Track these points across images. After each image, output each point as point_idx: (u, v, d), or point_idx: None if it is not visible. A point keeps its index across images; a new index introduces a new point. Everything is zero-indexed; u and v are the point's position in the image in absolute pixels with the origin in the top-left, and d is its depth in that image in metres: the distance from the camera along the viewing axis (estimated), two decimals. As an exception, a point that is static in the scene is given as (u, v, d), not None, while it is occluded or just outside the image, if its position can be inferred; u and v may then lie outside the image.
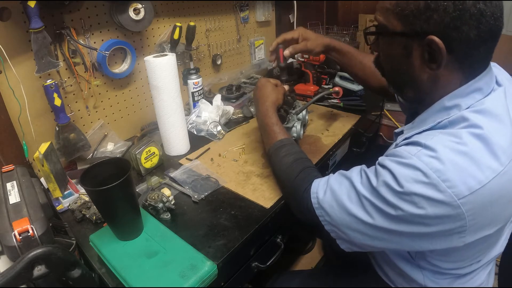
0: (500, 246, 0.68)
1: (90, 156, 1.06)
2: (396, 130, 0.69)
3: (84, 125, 1.07)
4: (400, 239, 0.58)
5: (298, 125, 0.99)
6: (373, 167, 0.61)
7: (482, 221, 0.53)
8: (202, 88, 1.29)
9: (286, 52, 0.99)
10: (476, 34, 0.51)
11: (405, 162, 0.54)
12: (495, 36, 0.53)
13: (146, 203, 0.80)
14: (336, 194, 0.63)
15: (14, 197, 0.66)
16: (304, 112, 1.06)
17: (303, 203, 0.70)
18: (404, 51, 0.59)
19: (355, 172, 0.64)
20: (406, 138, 0.61)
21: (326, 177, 0.69)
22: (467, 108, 0.56)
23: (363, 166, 0.65)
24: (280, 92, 0.97)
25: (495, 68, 0.63)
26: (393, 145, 0.67)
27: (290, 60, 1.66)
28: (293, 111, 1.00)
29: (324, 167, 1.05)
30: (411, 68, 0.60)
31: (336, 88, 1.05)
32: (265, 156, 1.03)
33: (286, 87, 1.03)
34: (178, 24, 1.16)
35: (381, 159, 0.59)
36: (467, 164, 0.51)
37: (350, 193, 0.61)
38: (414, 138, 0.58)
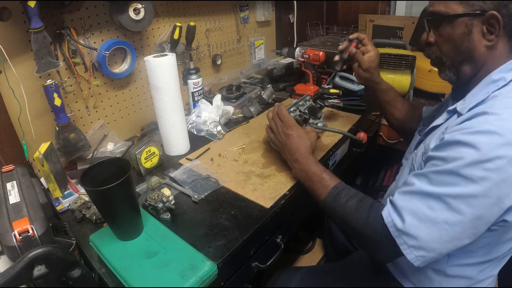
0: None
1: (90, 156, 1.06)
2: (449, 108, 0.72)
3: (84, 125, 1.07)
4: (488, 220, 0.58)
5: None
6: (430, 164, 0.63)
7: None
8: (202, 88, 1.29)
9: (353, 50, 1.03)
10: None
11: (479, 129, 0.57)
12: None
13: (146, 203, 0.80)
14: (415, 212, 0.61)
15: (14, 197, 0.66)
16: (320, 125, 1.03)
17: (383, 240, 0.66)
18: (466, 29, 0.67)
19: (417, 182, 0.63)
20: (470, 109, 0.65)
21: (388, 203, 0.67)
22: (511, 81, 0.64)
23: (417, 172, 0.65)
24: (312, 136, 0.90)
25: None
26: (449, 122, 0.69)
27: (290, 60, 1.66)
28: (315, 122, 0.98)
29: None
30: (471, 44, 0.68)
31: (361, 134, 1.00)
32: (265, 156, 1.03)
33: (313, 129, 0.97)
34: (178, 24, 1.16)
35: (449, 136, 0.60)
36: None
37: (428, 203, 0.60)
38: (475, 112, 0.62)
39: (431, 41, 0.74)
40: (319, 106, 1.04)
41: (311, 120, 0.99)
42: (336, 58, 1.05)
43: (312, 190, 0.82)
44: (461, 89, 0.74)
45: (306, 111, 1.04)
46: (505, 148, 0.54)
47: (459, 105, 0.69)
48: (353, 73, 1.11)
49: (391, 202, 0.66)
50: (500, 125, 0.56)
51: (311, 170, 0.82)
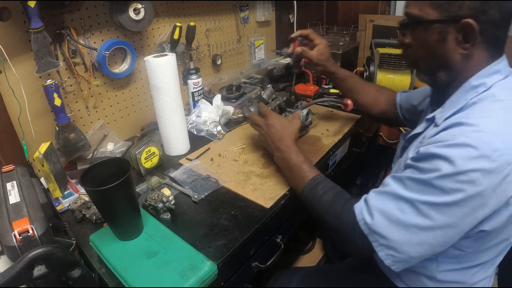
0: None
1: (90, 156, 1.06)
2: (427, 116, 0.70)
3: (84, 125, 1.07)
4: (461, 229, 0.58)
5: None
6: (409, 170, 0.62)
7: None
8: (202, 88, 1.29)
9: (298, 49, 1.03)
10: (499, 16, 0.59)
11: (454, 143, 0.55)
12: (510, 18, 0.61)
13: (146, 203, 0.80)
14: (385, 212, 0.62)
15: (14, 197, 0.66)
16: (304, 113, 1.05)
17: (354, 235, 0.67)
18: (439, 36, 0.64)
19: (392, 183, 0.63)
20: (446, 119, 0.63)
21: (362, 200, 0.68)
22: (491, 86, 0.61)
23: (394, 175, 0.64)
24: (293, 124, 0.91)
25: None
26: (427, 132, 0.68)
27: (289, 60, 1.66)
28: (292, 110, 1.00)
29: (324, 167, 1.05)
30: (446, 51, 0.65)
31: (349, 101, 1.01)
32: (265, 156, 1.03)
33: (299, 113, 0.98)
34: (178, 24, 1.16)
35: (423, 149, 0.59)
36: (508, 132, 0.55)
37: (399, 205, 0.61)
38: (452, 121, 0.60)
39: (407, 42, 0.71)
40: (294, 97, 1.06)
41: (288, 109, 1.01)
42: (290, 61, 1.07)
43: (291, 180, 0.84)
44: (440, 94, 0.72)
45: (283, 103, 1.09)
46: (479, 160, 0.53)
47: (438, 113, 0.67)
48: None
49: (365, 200, 0.67)
50: (475, 137, 0.54)
51: (292, 160, 0.83)
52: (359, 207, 0.67)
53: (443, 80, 0.69)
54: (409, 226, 0.59)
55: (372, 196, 0.66)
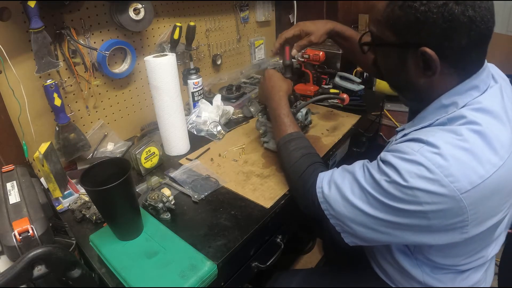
0: (495, 246, 0.70)
1: (90, 156, 1.06)
2: (397, 129, 0.71)
3: (84, 125, 1.07)
4: (402, 233, 0.59)
5: None
6: (375, 162, 0.63)
7: (482, 214, 0.55)
8: (202, 88, 1.29)
9: (294, 51, 1.00)
10: (467, 41, 0.53)
11: (409, 158, 0.55)
12: (487, 38, 0.55)
13: (146, 203, 0.80)
14: (340, 188, 0.65)
15: (14, 197, 0.66)
16: (304, 112, 1.05)
17: (309, 198, 0.72)
18: (399, 60, 0.61)
19: (357, 167, 0.66)
20: (405, 135, 0.64)
21: (331, 171, 0.71)
22: (464, 106, 0.58)
23: (366, 161, 0.66)
24: (289, 83, 0.98)
25: (490, 66, 0.64)
26: (393, 141, 0.69)
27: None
28: (293, 110, 1.00)
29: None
30: (407, 75, 0.62)
31: (344, 95, 1.00)
32: (265, 156, 1.03)
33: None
34: (178, 24, 1.16)
35: (383, 154, 0.60)
36: (468, 159, 0.53)
37: (353, 187, 0.63)
38: (415, 135, 0.59)
39: (372, 54, 0.69)
40: (294, 96, 1.06)
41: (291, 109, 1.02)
42: (282, 69, 1.04)
43: (274, 130, 0.91)
44: (413, 105, 0.71)
45: None
46: (428, 182, 0.52)
47: (407, 127, 0.67)
48: (353, 72, 1.09)
49: (332, 172, 0.70)
50: (431, 158, 0.53)
51: (277, 111, 0.89)
52: (323, 176, 0.70)
53: (411, 98, 0.69)
54: (355, 207, 0.62)
55: (338, 171, 0.69)
